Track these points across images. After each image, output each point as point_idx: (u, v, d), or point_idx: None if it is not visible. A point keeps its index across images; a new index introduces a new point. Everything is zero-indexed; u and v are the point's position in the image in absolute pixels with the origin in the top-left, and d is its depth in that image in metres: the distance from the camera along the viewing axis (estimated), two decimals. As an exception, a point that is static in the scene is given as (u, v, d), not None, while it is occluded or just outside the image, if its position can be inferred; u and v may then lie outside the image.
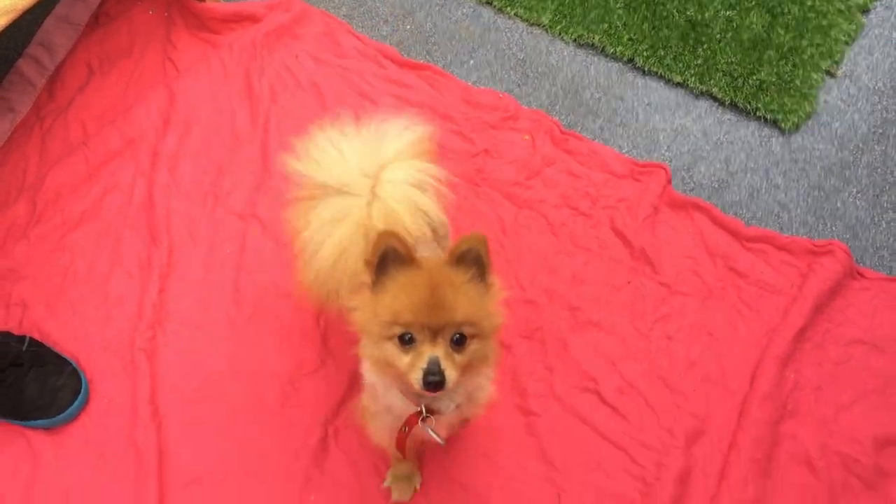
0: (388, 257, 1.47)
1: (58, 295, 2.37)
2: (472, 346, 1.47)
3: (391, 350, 1.46)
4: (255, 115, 2.77)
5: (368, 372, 1.69)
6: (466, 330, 1.45)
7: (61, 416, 2.15)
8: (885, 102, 2.82)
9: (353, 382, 2.24)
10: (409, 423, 1.66)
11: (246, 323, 2.36)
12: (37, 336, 2.28)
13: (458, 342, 1.44)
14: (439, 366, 1.41)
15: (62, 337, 2.30)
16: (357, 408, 1.87)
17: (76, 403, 2.16)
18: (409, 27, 3.06)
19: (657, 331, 2.37)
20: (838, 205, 2.63)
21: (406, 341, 1.44)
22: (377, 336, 1.48)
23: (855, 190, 2.66)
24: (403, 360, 1.45)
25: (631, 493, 2.11)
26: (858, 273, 2.47)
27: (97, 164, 2.62)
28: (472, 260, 1.47)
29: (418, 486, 2.09)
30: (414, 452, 2.00)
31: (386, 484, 2.09)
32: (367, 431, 1.85)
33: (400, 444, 1.73)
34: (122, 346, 2.29)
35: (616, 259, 2.49)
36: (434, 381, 1.40)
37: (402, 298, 1.44)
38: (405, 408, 1.65)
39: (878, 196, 2.65)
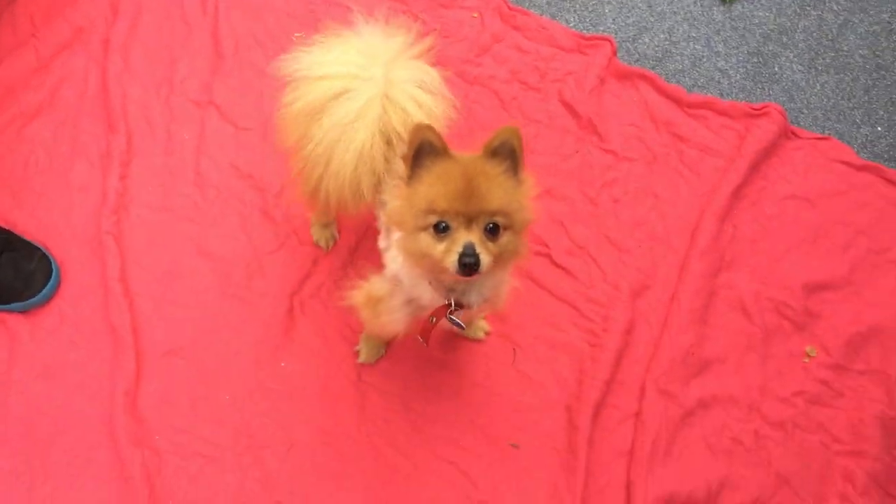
0: (424, 150, 1.49)
1: (21, 185, 2.40)
2: (505, 238, 1.50)
3: (426, 240, 1.50)
4: (204, 1, 2.76)
5: (395, 264, 1.74)
6: (500, 220, 1.48)
7: (35, 298, 2.22)
8: (823, -32, 2.89)
9: (317, 259, 2.34)
10: (438, 314, 1.71)
11: (209, 205, 2.42)
12: (3, 226, 2.33)
13: (492, 231, 1.48)
14: (474, 249, 1.44)
15: (30, 226, 2.34)
16: (359, 290, 1.90)
17: (49, 286, 2.23)
18: None
19: (604, 195, 2.48)
20: (776, 69, 2.73)
21: (441, 230, 1.48)
22: (412, 227, 1.51)
23: (792, 54, 2.76)
24: (438, 247, 1.48)
25: (580, 343, 2.26)
26: (793, 133, 2.59)
27: (48, 56, 2.60)
28: (507, 153, 1.49)
29: (383, 353, 2.22)
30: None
31: (356, 347, 2.20)
32: (367, 315, 1.88)
33: (426, 333, 1.79)
34: (88, 231, 2.34)
35: (565, 129, 2.58)
36: (469, 262, 1.43)
37: (437, 187, 1.47)
38: (433, 300, 1.70)
39: (813, 59, 2.75)
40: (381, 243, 1.91)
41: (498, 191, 1.47)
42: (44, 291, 2.23)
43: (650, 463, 2.08)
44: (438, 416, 2.15)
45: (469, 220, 1.47)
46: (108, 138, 2.49)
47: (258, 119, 2.55)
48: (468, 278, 1.52)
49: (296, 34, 2.70)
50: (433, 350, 2.21)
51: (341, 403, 2.16)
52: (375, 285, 1.85)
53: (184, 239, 2.37)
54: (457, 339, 2.25)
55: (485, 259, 1.46)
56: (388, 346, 2.22)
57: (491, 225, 1.47)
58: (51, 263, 2.26)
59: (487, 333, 2.26)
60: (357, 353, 2.21)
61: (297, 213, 2.38)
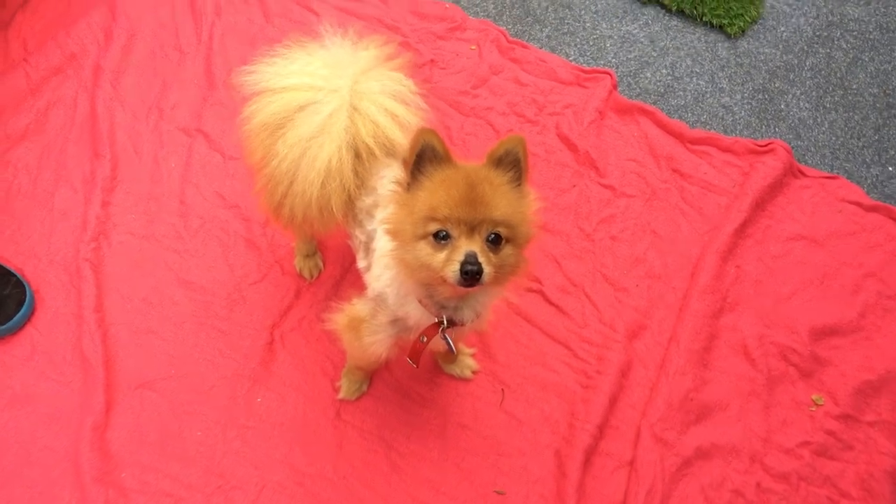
0: (426, 155, 1.41)
1: (2, 209, 2.34)
2: (506, 250, 1.42)
3: (425, 249, 1.41)
4: (199, 29, 2.71)
5: (378, 282, 1.65)
6: (503, 231, 1.39)
7: (7, 325, 2.13)
8: (829, 6, 2.81)
9: (300, 291, 2.24)
10: (429, 333, 1.61)
11: (193, 235, 2.34)
12: (-19, 250, 2.26)
13: (494, 242, 1.39)
14: (477, 258, 1.35)
15: (7, 251, 2.27)
16: (341, 313, 1.80)
17: (21, 313, 2.14)
18: (354, -60, 2.99)
19: (601, 231, 2.38)
20: (782, 106, 2.63)
21: (441, 238, 1.39)
22: (411, 235, 1.42)
23: (799, 91, 2.66)
24: (438, 257, 1.39)
25: (572, 385, 2.13)
26: (800, 171, 2.48)
27: (39, 80, 2.56)
28: (511, 162, 1.42)
29: (365, 390, 2.10)
30: (381, 366, 1.99)
31: (337, 384, 2.09)
32: (350, 339, 1.79)
33: (415, 354, 1.68)
34: (66, 257, 2.26)
35: (562, 163, 2.48)
36: (472, 270, 1.34)
37: (439, 193, 1.39)
38: (422, 318, 1.60)
39: (821, 98, 2.65)
40: (360, 263, 1.82)
41: (502, 200, 1.39)
42: (15, 319, 2.14)
43: (645, 512, 1.94)
44: (421, 457, 2.02)
45: (471, 229, 1.38)
46: (92, 164, 2.42)
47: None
48: (468, 289, 1.42)
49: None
50: (418, 387, 2.10)
51: (318, 442, 2.04)
52: (358, 307, 1.76)
53: (164, 268, 2.29)
54: (442, 376, 2.14)
55: (487, 269, 1.36)
56: (370, 382, 2.11)
57: (493, 235, 1.39)
58: (25, 290, 2.18)
59: (475, 372, 2.14)
60: (338, 389, 2.09)
61: (283, 242, 2.30)
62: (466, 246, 1.37)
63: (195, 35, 2.71)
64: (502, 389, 2.13)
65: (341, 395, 2.08)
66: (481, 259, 1.35)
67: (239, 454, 2.02)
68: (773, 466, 2.04)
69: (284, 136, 1.68)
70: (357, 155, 1.67)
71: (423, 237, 1.41)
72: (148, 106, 2.55)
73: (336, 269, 2.27)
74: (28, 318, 2.17)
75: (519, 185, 1.44)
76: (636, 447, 2.04)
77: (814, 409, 2.12)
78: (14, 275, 2.20)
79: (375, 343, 1.71)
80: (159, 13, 2.73)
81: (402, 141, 1.67)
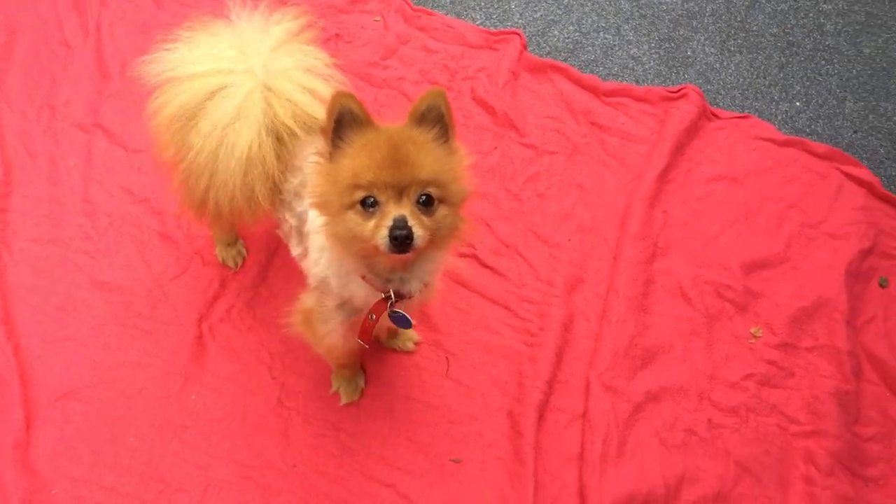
0: (344, 121, 1.33)
1: None
2: (441, 212, 1.35)
3: (353, 219, 1.33)
4: (84, 21, 2.57)
5: (317, 267, 1.57)
6: (433, 191, 1.33)
7: None
8: (724, -46, 2.87)
9: (225, 280, 2.14)
10: (377, 310, 1.54)
11: (102, 234, 2.21)
12: None
13: (426, 204, 1.32)
14: (406, 221, 1.29)
15: None
16: (295, 313, 1.72)
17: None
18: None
19: (528, 190, 2.36)
20: (688, 53, 2.67)
21: (369, 205, 1.32)
22: (337, 206, 1.35)
23: (703, 38, 2.71)
24: (367, 225, 1.32)
25: (517, 345, 2.10)
26: (713, 114, 2.52)
27: (-88, 86, 2.37)
28: (435, 118, 1.35)
29: (363, 386, 2.01)
30: (358, 356, 1.90)
31: (332, 389, 1.99)
32: (310, 337, 1.72)
33: (366, 333, 1.60)
34: (-35, 271, 2.11)
35: (481, 126, 2.45)
36: (401, 235, 1.28)
37: (362, 158, 1.32)
38: (369, 296, 1.52)
39: (724, 41, 2.70)
40: (295, 251, 1.74)
41: (428, 158, 1.32)
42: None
43: (602, 465, 1.92)
44: (371, 435, 1.95)
45: (399, 193, 1.31)
46: (-18, 171, 2.26)
47: (149, 139, 2.34)
48: (402, 256, 1.35)
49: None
50: (362, 363, 2.02)
51: (262, 433, 1.94)
52: (305, 300, 1.69)
53: (75, 271, 2.15)
54: (384, 350, 2.07)
55: (418, 232, 1.29)
56: (364, 376, 2.02)
57: (423, 197, 1.32)
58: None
59: (417, 343, 2.09)
60: (337, 395, 1.99)
61: (201, 233, 2.19)
62: (395, 210, 1.31)
63: (81, 27, 2.56)
64: (447, 358, 2.08)
65: (343, 400, 1.98)
66: (411, 223, 1.30)
67: (178, 455, 1.91)
68: (720, 401, 2.06)
69: (198, 126, 1.59)
70: (278, 138, 1.60)
71: (351, 206, 1.34)
72: (38, 105, 2.39)
73: (261, 254, 2.18)
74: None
75: (446, 141, 1.37)
76: (587, 398, 2.02)
77: (753, 341, 2.15)
78: None
79: (329, 332, 1.65)
80: (39, 8, 2.58)
81: (323, 116, 1.56)
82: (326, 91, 1.62)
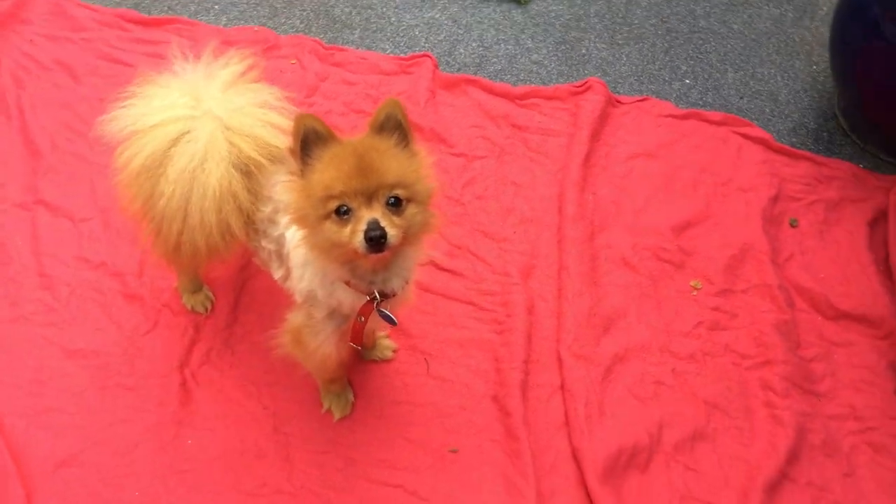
0: (309, 139, 1.43)
1: None
2: (409, 210, 1.45)
3: (330, 228, 1.43)
4: (4, 106, 2.57)
5: (302, 283, 1.65)
6: (400, 193, 1.43)
7: None
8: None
9: (198, 325, 2.18)
10: (364, 311, 1.63)
11: (65, 304, 2.21)
12: None
13: (395, 205, 1.43)
14: (378, 223, 1.39)
15: None
16: (284, 333, 1.81)
17: None
18: (142, -12, 2.97)
19: (468, 194, 2.50)
20: (583, 51, 2.90)
21: (343, 213, 1.42)
22: (314, 218, 1.45)
23: (593, 36, 2.94)
24: (344, 232, 1.42)
25: (488, 335, 2.22)
26: (617, 101, 2.74)
27: None
28: (393, 126, 1.46)
29: (353, 399, 2.08)
30: (345, 368, 1.97)
31: (324, 408, 2.05)
32: (301, 354, 1.80)
33: (357, 335, 1.70)
34: (-69, 362, 2.07)
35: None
36: (375, 235, 1.38)
37: (330, 171, 1.41)
38: (355, 301, 1.62)
39: (612, 37, 2.95)
40: (277, 274, 1.81)
41: (392, 163, 1.43)
42: None
43: (588, 427, 2.05)
44: (369, 443, 2.02)
45: (369, 198, 1.41)
46: (-71, 262, 2.23)
47: (96, 206, 2.38)
48: (379, 255, 1.45)
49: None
50: (348, 378, 2.10)
51: (263, 462, 1.98)
52: (292, 319, 1.77)
53: (44, 344, 2.14)
54: (364, 363, 2.15)
55: (391, 231, 1.41)
56: (352, 390, 2.09)
57: (392, 199, 1.43)
58: None
59: (395, 351, 2.18)
60: (329, 413, 2.05)
61: (164, 285, 2.23)
62: (368, 215, 1.40)
63: (1, 113, 2.56)
64: (425, 359, 2.18)
65: (336, 416, 2.04)
66: (384, 223, 1.40)
67: (186, 499, 1.92)
68: (679, 351, 2.24)
69: (166, 173, 1.66)
70: (245, 172, 1.68)
71: (327, 217, 1.44)
72: (-28, 191, 2.39)
73: (229, 295, 2.23)
74: None
75: (406, 145, 1.49)
76: (562, 370, 2.15)
77: (695, 293, 2.34)
78: None
79: (321, 344, 1.73)
80: (-45, 99, 2.57)
81: (285, 145, 1.68)
82: (283, 122, 1.71)
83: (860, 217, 2.51)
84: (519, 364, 2.14)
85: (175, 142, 1.67)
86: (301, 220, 1.50)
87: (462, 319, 2.25)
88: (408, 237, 1.48)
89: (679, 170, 2.60)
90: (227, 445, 2.01)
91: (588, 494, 1.96)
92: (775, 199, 2.54)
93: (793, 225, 2.50)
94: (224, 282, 2.25)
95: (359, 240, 1.40)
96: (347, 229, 1.42)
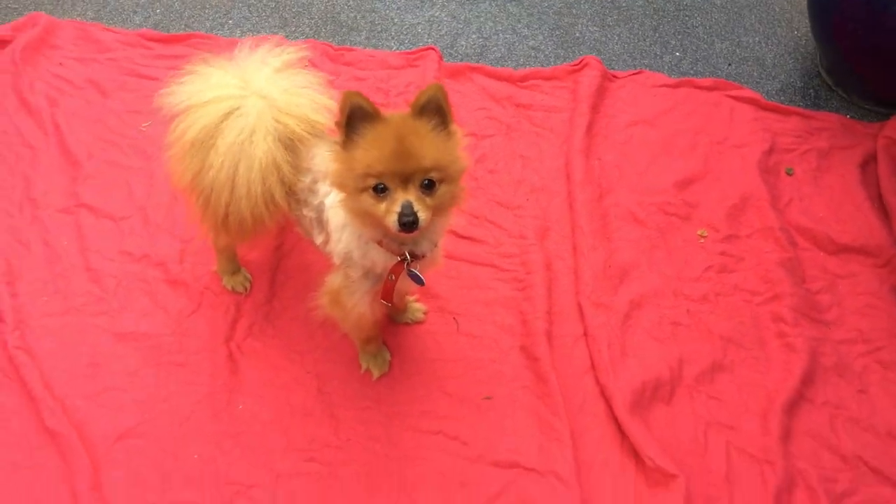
0: (355, 115, 1.52)
1: None
2: (441, 190, 1.55)
3: (367, 200, 1.54)
4: (41, 123, 2.70)
5: (340, 244, 1.77)
6: (434, 175, 1.52)
7: (-42, 434, 2.03)
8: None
9: (239, 304, 2.30)
10: (395, 271, 1.74)
11: (113, 294, 2.32)
12: None
13: (428, 186, 1.52)
14: (412, 208, 1.49)
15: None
16: (323, 295, 1.92)
17: (-31, 418, 2.05)
18: (159, 11, 3.12)
19: (480, 169, 2.63)
20: (577, 35, 3.05)
21: (380, 190, 1.52)
22: (353, 189, 1.55)
23: (585, 20, 3.10)
24: (380, 207, 1.52)
25: (511, 292, 2.34)
26: (613, 76, 2.89)
27: None
28: (434, 109, 1.54)
29: (389, 358, 2.19)
30: (380, 327, 2.10)
31: (363, 369, 2.17)
32: (339, 314, 1.91)
33: (387, 293, 1.79)
34: (-5, 354, 2.19)
35: (423, 129, 2.73)
36: (408, 221, 1.49)
37: (372, 151, 1.50)
38: (388, 260, 1.72)
39: (604, 19, 3.11)
40: (318, 240, 1.92)
41: (430, 148, 1.52)
42: (-36, 425, 2.04)
43: (613, 367, 2.15)
44: (408, 398, 2.13)
45: (405, 180, 1.51)
46: (-18, 268, 2.36)
47: (134, 205, 2.51)
48: (410, 235, 1.57)
49: (143, 125, 2.72)
50: (384, 340, 2.21)
51: (311, 421, 2.09)
52: (331, 281, 1.88)
53: (97, 331, 2.25)
54: (399, 327, 2.27)
55: (422, 216, 1.51)
56: (387, 349, 2.20)
57: (426, 181, 1.52)
58: (-35, 395, 2.08)
59: (425, 313, 2.30)
60: (369, 373, 2.17)
61: (204, 270, 2.35)
62: (402, 197, 1.51)
63: (39, 129, 2.69)
64: (454, 318, 2.30)
65: (375, 374, 2.15)
66: (417, 207, 1.50)
67: (242, 459, 2.03)
68: (691, 294, 2.35)
69: (216, 146, 1.78)
70: (288, 147, 1.80)
71: (365, 189, 1.54)
72: (18, 201, 2.51)
73: (265, 275, 2.34)
74: (-24, 423, 2.08)
75: (445, 126, 1.57)
76: (583, 319, 2.27)
77: (702, 241, 2.46)
78: (-54, 387, 2.10)
79: (357, 303, 1.83)
80: (-5, 121, 2.72)
81: (326, 122, 1.82)
82: (325, 101, 1.84)
83: (851, 162, 2.64)
84: (542, 315, 2.26)
85: (226, 117, 1.79)
86: (341, 186, 1.61)
87: (486, 281, 2.37)
88: (437, 211, 1.58)
89: (676, 134, 2.73)
90: (276, 408, 2.12)
91: (619, 427, 2.07)
92: (770, 152, 2.67)
93: (789, 174, 2.62)
94: (260, 263, 2.37)
95: (392, 220, 1.51)
96: (383, 205, 1.53)
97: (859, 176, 2.60)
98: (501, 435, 2.08)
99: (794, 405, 2.11)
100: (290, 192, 1.85)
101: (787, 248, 2.40)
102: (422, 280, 1.78)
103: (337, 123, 1.57)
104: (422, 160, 1.50)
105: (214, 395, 2.14)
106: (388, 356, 2.19)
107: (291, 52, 1.91)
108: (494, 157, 2.67)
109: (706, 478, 2.01)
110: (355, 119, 1.53)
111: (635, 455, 2.03)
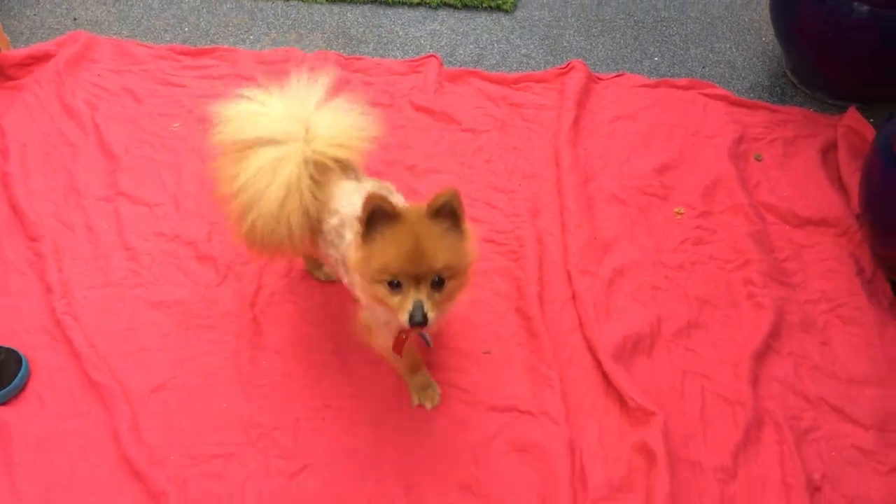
0: (376, 215, 1.61)
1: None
2: (450, 285, 1.65)
3: (382, 291, 1.64)
4: (81, 124, 2.92)
5: (363, 299, 1.86)
6: (444, 273, 1.62)
7: (10, 387, 2.18)
8: (568, -27, 3.57)
9: (261, 275, 2.49)
10: (406, 332, 1.87)
11: (147, 269, 2.51)
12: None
13: (438, 284, 1.63)
14: (423, 309, 1.59)
15: (-19, 337, 2.35)
16: (357, 325, 2.01)
17: (21, 374, 2.21)
18: (187, 29, 3.38)
19: (476, 160, 2.83)
20: (565, 44, 3.29)
21: (394, 285, 1.62)
22: (370, 278, 1.65)
23: (572, 31, 3.34)
24: (393, 300, 1.63)
25: (506, 263, 2.52)
26: (597, 78, 3.11)
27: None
28: (448, 212, 1.63)
29: (439, 391, 2.23)
30: (415, 359, 2.17)
31: (414, 403, 2.21)
32: (369, 341, 2.03)
33: (398, 348, 1.93)
34: (42, 320, 2.36)
35: (427, 126, 2.93)
36: (418, 321, 1.59)
37: (390, 251, 1.60)
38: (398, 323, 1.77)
39: (588, 30, 3.34)
40: (344, 280, 2.01)
41: (442, 250, 1.61)
42: (17, 380, 2.21)
43: (598, 325, 2.32)
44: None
45: (418, 280, 1.61)
46: (33, 247, 2.55)
47: (166, 193, 2.72)
48: (419, 330, 1.72)
49: (174, 125, 2.95)
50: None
51: (327, 373, 2.26)
52: (361, 316, 1.98)
53: (134, 301, 2.44)
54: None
55: (431, 315, 1.62)
56: (435, 383, 2.24)
57: (437, 279, 1.63)
58: (18, 354, 2.26)
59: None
60: (421, 406, 2.21)
61: (229, 248, 2.55)
62: (414, 295, 1.61)
63: (79, 129, 2.91)
64: (455, 286, 2.49)
65: (429, 406, 2.20)
66: (427, 307, 1.61)
67: (265, 407, 2.20)
68: (669, 262, 2.53)
69: (251, 159, 1.87)
70: (314, 177, 1.87)
71: (381, 281, 1.65)
72: (62, 192, 2.72)
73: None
74: (28, 377, 2.25)
75: (457, 226, 1.67)
76: (571, 284, 2.45)
77: (679, 217, 2.65)
78: (2, 347, 2.28)
79: (383, 340, 1.96)
80: (40, 123, 2.93)
81: (357, 159, 1.97)
82: (364, 125, 1.96)
83: (813, 148, 2.84)
84: (535, 281, 2.44)
85: (267, 135, 1.87)
86: (360, 272, 1.71)
87: (484, 254, 2.54)
88: (445, 300, 1.68)
89: (655, 127, 2.94)
90: (295, 363, 2.29)
91: (604, 376, 2.25)
92: (739, 141, 2.87)
93: (757, 159, 2.82)
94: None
95: (404, 317, 1.62)
96: (396, 299, 1.64)
97: (821, 160, 2.80)
98: (499, 384, 2.25)
99: (762, 355, 2.28)
100: (318, 229, 1.95)
101: (756, 221, 2.59)
102: (429, 342, 2.10)
103: (359, 220, 1.66)
104: (434, 262, 1.60)
105: (239, 353, 2.32)
106: (437, 388, 2.23)
107: (332, 80, 2.00)
108: (490, 149, 2.87)
109: (683, 418, 2.17)
110: (376, 216, 1.62)
111: (619, 399, 2.20)
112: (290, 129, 1.88)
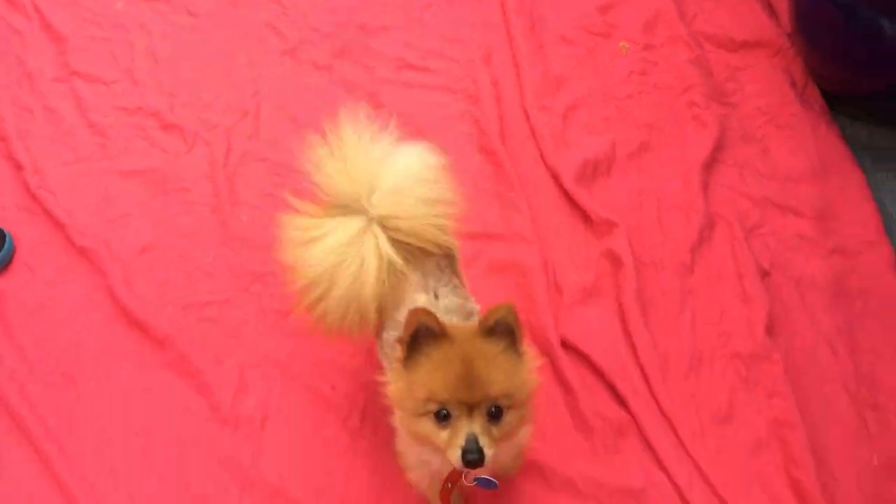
0: (420, 334, 1.34)
1: None
2: (509, 417, 1.35)
3: (427, 426, 1.34)
4: (23, 10, 2.84)
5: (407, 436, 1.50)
6: (502, 402, 1.33)
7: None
8: None
9: (230, 137, 2.52)
10: (452, 479, 1.52)
11: (114, 142, 2.54)
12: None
13: (495, 415, 1.33)
14: (477, 443, 1.29)
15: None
16: (396, 450, 1.67)
17: (6, 246, 2.24)
18: None
19: (426, 15, 2.86)
20: None
21: (442, 417, 1.32)
22: (412, 411, 1.36)
23: None
24: (441, 435, 1.33)
25: (464, 107, 2.59)
26: None
27: None
28: (504, 330, 1.35)
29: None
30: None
31: None
32: (404, 471, 1.67)
33: (445, 499, 1.56)
34: (17, 199, 2.41)
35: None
36: (473, 459, 1.29)
37: (437, 376, 1.32)
38: (444, 465, 1.48)
39: None
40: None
41: (498, 374, 1.33)
42: (2, 252, 2.23)
43: (558, 155, 2.43)
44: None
45: (470, 409, 1.32)
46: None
47: (121, 71, 2.69)
48: (474, 470, 1.39)
49: (117, 4, 2.88)
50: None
51: (308, 220, 2.36)
52: (398, 442, 1.65)
53: (105, 174, 2.45)
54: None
55: (489, 452, 1.31)
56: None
57: (494, 408, 1.33)
58: (0, 230, 2.28)
59: None
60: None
61: (196, 115, 2.56)
62: (467, 426, 1.31)
63: (22, 15, 2.84)
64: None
65: None
66: (482, 441, 1.30)
67: (252, 255, 2.27)
68: (618, 94, 2.60)
69: (319, 244, 1.55)
70: (381, 277, 1.53)
71: (425, 414, 1.35)
72: (17, 78, 2.68)
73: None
74: (13, 251, 2.27)
75: (514, 346, 1.38)
76: (529, 121, 2.52)
77: (625, 52, 2.72)
78: (-19, 224, 2.29)
79: (416, 478, 1.65)
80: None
81: (445, 239, 1.63)
82: (440, 192, 1.60)
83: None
84: (495, 120, 2.52)
85: (337, 227, 1.55)
86: (399, 405, 1.42)
87: (441, 101, 2.62)
88: (505, 437, 1.37)
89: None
90: (275, 214, 2.34)
91: (568, 198, 2.38)
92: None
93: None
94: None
95: (455, 455, 1.31)
96: (445, 434, 1.33)
97: (754, -7, 2.91)
98: (470, 213, 2.36)
99: (709, 166, 2.43)
100: (377, 333, 1.66)
101: (695, 48, 2.69)
102: (494, 483, 1.54)
103: (400, 339, 1.39)
104: (489, 388, 1.31)
105: (219, 210, 2.36)
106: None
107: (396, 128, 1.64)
108: (439, 2, 2.90)
109: (642, 227, 2.31)
110: (420, 337, 1.35)
111: (584, 217, 2.33)
112: (362, 200, 1.54)
